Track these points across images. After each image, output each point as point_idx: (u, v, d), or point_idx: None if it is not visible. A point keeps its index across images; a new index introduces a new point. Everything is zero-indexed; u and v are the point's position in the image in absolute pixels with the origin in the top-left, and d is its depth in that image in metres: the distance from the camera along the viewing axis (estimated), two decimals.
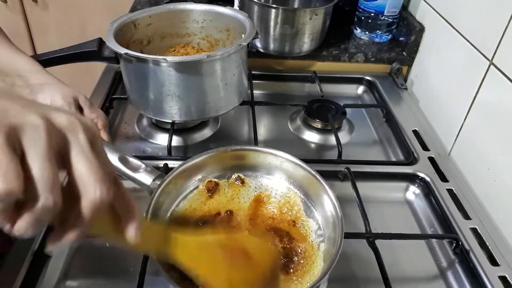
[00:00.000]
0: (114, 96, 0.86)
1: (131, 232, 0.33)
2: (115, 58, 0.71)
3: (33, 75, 0.57)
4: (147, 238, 0.37)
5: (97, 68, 0.93)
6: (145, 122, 0.82)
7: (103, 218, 0.32)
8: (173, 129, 0.75)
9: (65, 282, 0.55)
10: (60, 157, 0.29)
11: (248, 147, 0.60)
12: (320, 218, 0.54)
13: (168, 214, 0.54)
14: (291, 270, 0.49)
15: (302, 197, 0.57)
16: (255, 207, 0.56)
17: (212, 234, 0.47)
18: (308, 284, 0.47)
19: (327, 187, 0.53)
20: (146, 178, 0.53)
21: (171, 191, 0.54)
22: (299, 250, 0.51)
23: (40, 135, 0.27)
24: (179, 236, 0.42)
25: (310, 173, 0.55)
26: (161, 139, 0.78)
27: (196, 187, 0.57)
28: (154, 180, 0.53)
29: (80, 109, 0.55)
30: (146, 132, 0.80)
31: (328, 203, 0.53)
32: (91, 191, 0.29)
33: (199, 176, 0.58)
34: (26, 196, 0.26)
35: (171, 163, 0.68)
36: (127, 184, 0.37)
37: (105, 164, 0.30)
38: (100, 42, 0.72)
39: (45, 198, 0.26)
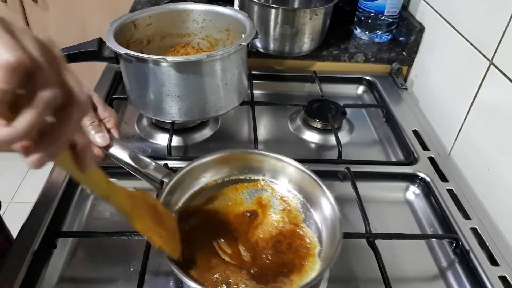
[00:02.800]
0: (114, 96, 0.86)
1: (86, 160, 0.35)
2: (115, 58, 0.72)
3: None
4: (96, 179, 0.40)
5: (97, 68, 0.93)
6: (145, 122, 0.82)
7: (66, 152, 0.34)
8: (173, 129, 0.75)
9: (65, 282, 0.55)
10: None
11: (253, 151, 0.61)
12: (319, 220, 0.55)
13: (175, 210, 0.55)
14: (289, 273, 0.49)
15: (302, 199, 0.57)
16: (258, 209, 0.57)
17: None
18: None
19: (325, 189, 0.53)
20: (155, 176, 0.54)
21: (178, 189, 0.55)
22: (298, 252, 0.51)
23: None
24: (116, 186, 0.44)
25: (310, 177, 0.55)
26: (161, 139, 0.78)
27: (201, 187, 0.58)
28: (162, 177, 0.54)
29: (93, 107, 0.56)
30: (146, 132, 0.80)
31: (327, 206, 0.53)
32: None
33: (205, 176, 0.59)
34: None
35: (171, 163, 0.68)
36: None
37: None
38: (100, 42, 0.72)
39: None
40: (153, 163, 0.56)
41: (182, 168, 0.56)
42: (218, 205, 0.57)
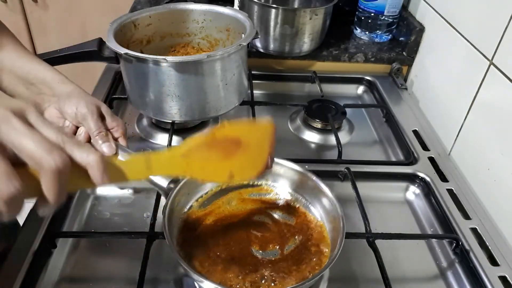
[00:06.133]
0: (114, 96, 0.86)
1: (97, 178, 0.37)
2: (115, 58, 0.72)
3: (59, 85, 0.59)
4: (122, 172, 0.40)
5: (97, 68, 0.93)
6: (145, 122, 0.82)
7: (73, 176, 0.35)
8: (173, 129, 0.75)
9: (65, 282, 0.55)
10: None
11: None
12: (322, 220, 0.56)
13: (182, 214, 0.56)
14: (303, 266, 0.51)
15: (305, 201, 0.59)
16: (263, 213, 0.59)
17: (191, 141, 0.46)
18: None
19: (327, 190, 0.55)
20: (162, 181, 0.55)
21: (184, 195, 0.57)
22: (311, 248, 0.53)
23: None
24: (160, 155, 0.43)
25: (311, 179, 0.57)
26: (161, 139, 0.78)
27: (209, 191, 0.60)
28: (169, 183, 0.55)
29: (102, 117, 0.57)
30: (146, 132, 0.80)
31: (329, 206, 0.55)
32: (45, 163, 0.33)
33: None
34: None
35: None
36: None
37: (49, 132, 0.34)
38: (100, 42, 0.72)
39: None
40: None
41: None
42: (224, 210, 0.58)
